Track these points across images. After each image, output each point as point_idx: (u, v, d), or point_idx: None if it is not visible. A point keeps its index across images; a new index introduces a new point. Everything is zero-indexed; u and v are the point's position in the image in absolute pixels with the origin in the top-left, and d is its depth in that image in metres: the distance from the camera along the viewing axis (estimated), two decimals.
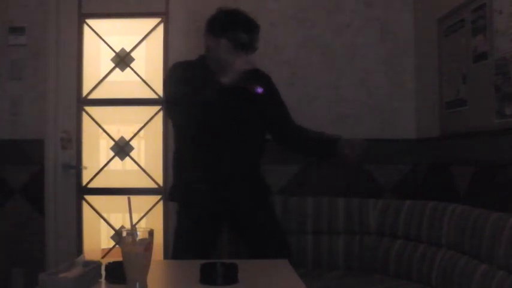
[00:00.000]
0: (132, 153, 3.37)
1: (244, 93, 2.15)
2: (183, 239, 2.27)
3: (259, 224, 2.31)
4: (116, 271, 1.45)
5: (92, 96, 3.36)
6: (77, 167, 3.30)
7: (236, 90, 2.11)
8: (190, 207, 2.27)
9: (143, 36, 3.35)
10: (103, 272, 1.51)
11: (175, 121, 2.30)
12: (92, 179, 3.36)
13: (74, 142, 3.29)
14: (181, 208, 2.33)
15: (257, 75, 2.22)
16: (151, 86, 3.34)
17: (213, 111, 2.09)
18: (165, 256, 3.12)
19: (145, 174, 3.34)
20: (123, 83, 3.36)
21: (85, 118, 3.35)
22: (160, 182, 3.32)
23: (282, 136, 2.44)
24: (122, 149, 3.37)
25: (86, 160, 3.34)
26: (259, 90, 2.14)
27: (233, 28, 2.19)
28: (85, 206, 3.35)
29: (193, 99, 2.08)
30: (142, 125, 3.35)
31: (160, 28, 3.35)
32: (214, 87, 2.07)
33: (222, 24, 2.21)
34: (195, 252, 2.09)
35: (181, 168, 2.30)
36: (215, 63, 2.22)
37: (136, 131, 3.37)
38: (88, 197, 3.36)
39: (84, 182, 3.35)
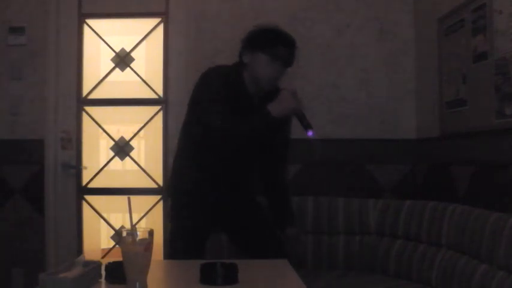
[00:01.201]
0: (132, 153, 3.37)
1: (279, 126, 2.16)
2: (178, 239, 2.28)
3: (248, 224, 2.32)
4: (116, 271, 1.45)
5: (92, 96, 3.36)
6: (77, 167, 3.29)
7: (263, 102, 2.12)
8: (187, 208, 2.28)
9: (143, 36, 3.35)
10: (103, 272, 1.51)
11: (200, 129, 2.19)
12: (92, 179, 3.35)
13: (74, 142, 3.29)
14: (177, 208, 2.34)
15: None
16: (151, 86, 3.34)
17: (253, 138, 2.13)
18: (165, 256, 3.12)
19: (145, 174, 3.34)
20: (123, 83, 3.36)
21: (85, 118, 3.35)
22: (160, 182, 3.32)
23: (262, 173, 2.42)
24: (121, 149, 3.37)
25: (86, 160, 3.33)
26: (311, 134, 2.12)
27: (270, 41, 2.17)
28: (85, 206, 3.35)
29: (246, 125, 2.07)
30: (142, 125, 3.34)
31: (160, 28, 3.35)
32: (263, 120, 2.07)
33: (258, 39, 2.19)
34: (190, 252, 2.12)
35: (186, 171, 2.30)
36: (252, 80, 2.20)
37: (136, 131, 3.36)
38: (88, 197, 3.35)
39: (84, 182, 3.35)
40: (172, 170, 2.37)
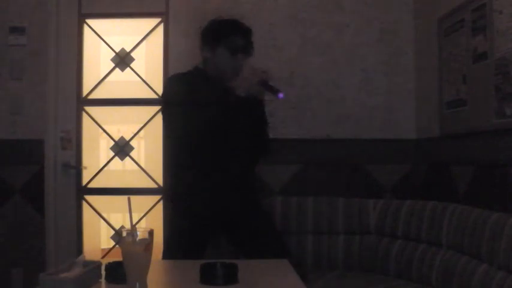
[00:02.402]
0: (132, 153, 3.37)
1: (248, 104, 2.15)
2: (177, 240, 2.28)
3: (249, 224, 2.30)
4: (116, 271, 1.45)
5: (92, 96, 3.36)
6: (77, 167, 3.30)
7: (244, 101, 2.13)
8: (187, 211, 2.28)
9: (143, 36, 3.35)
10: (103, 272, 1.51)
11: (176, 131, 2.25)
12: (92, 179, 3.35)
13: (74, 142, 3.29)
14: (177, 210, 2.34)
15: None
16: (151, 86, 3.34)
17: (219, 122, 2.12)
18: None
19: (145, 174, 3.34)
20: (123, 83, 3.36)
21: (85, 118, 3.35)
22: (160, 182, 3.32)
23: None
24: (121, 149, 3.37)
25: (86, 160, 3.33)
26: (281, 96, 2.11)
27: (227, 35, 2.21)
28: (85, 206, 3.35)
29: (205, 112, 2.08)
30: (142, 125, 3.34)
31: (160, 28, 3.35)
32: (230, 101, 2.09)
33: (216, 34, 2.24)
34: (187, 253, 2.12)
35: (181, 176, 2.30)
36: (215, 74, 2.23)
37: (136, 131, 3.36)
38: (88, 197, 3.35)
39: (84, 182, 3.35)
40: (168, 177, 2.38)
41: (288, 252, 2.26)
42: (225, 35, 2.21)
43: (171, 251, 2.28)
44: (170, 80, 2.34)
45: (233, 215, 2.27)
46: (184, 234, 2.25)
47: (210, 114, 2.09)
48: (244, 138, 2.27)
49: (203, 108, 2.08)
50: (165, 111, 2.26)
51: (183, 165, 2.27)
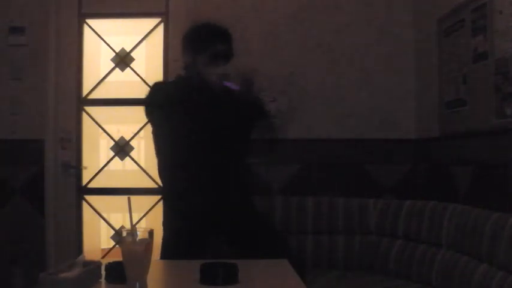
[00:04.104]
0: (132, 153, 3.37)
1: (225, 101, 2.17)
2: (174, 240, 2.28)
3: (240, 224, 2.28)
4: (116, 271, 1.45)
5: (92, 96, 3.36)
6: (77, 167, 3.30)
7: (218, 99, 2.15)
8: (180, 211, 2.28)
9: (143, 36, 3.35)
10: (103, 272, 1.51)
11: (162, 138, 2.28)
12: (92, 179, 3.35)
13: (74, 142, 3.29)
14: (172, 210, 2.34)
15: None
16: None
17: (199, 123, 2.13)
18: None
19: (145, 174, 3.34)
20: (123, 83, 3.36)
21: (85, 118, 3.35)
22: (160, 182, 3.31)
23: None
24: (121, 149, 3.37)
25: (86, 160, 3.33)
26: (234, 87, 2.14)
27: (208, 44, 2.19)
28: (85, 206, 3.35)
29: (182, 111, 2.10)
30: (142, 125, 3.34)
31: (160, 28, 3.35)
32: (198, 96, 2.12)
33: (195, 41, 2.23)
34: (185, 254, 2.11)
35: (171, 180, 2.31)
36: (196, 80, 2.22)
37: (136, 131, 3.36)
38: (88, 197, 3.36)
39: (84, 182, 3.35)
40: (162, 182, 2.38)
41: (286, 251, 2.26)
42: (204, 43, 2.20)
43: (168, 252, 2.27)
44: (153, 88, 2.31)
45: (224, 214, 2.26)
46: (180, 234, 2.25)
47: (195, 112, 2.10)
48: (232, 132, 2.25)
49: (188, 109, 2.09)
50: (149, 116, 2.29)
51: (175, 165, 2.26)
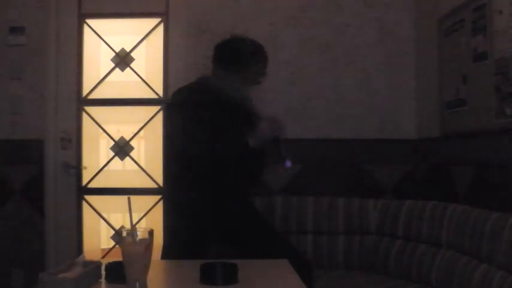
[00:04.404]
0: (132, 153, 3.37)
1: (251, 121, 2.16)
2: (179, 239, 2.28)
3: (246, 227, 2.29)
4: (116, 271, 1.45)
5: (92, 96, 3.36)
6: (77, 167, 3.30)
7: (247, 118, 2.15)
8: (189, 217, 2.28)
9: (143, 36, 3.35)
10: (103, 272, 1.51)
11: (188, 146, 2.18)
12: (92, 179, 3.35)
13: (74, 142, 3.29)
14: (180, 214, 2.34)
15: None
16: (151, 86, 3.34)
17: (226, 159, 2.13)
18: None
19: (145, 174, 3.34)
20: (123, 83, 3.35)
21: (85, 118, 3.35)
22: (160, 182, 3.31)
23: None
24: (121, 149, 3.37)
25: (86, 160, 3.33)
26: (288, 165, 2.14)
27: (246, 64, 2.16)
28: (85, 206, 3.35)
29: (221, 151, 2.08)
30: (142, 125, 3.34)
31: (160, 28, 3.34)
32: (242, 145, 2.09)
33: (233, 58, 2.18)
34: (187, 253, 2.12)
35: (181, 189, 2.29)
36: (221, 92, 2.18)
37: (136, 131, 3.36)
38: (88, 197, 3.35)
39: (84, 182, 3.34)
40: (167, 185, 2.37)
41: (290, 251, 2.27)
42: (240, 64, 2.16)
43: (171, 254, 2.27)
44: (180, 97, 2.24)
45: (229, 219, 2.26)
46: (184, 235, 2.25)
47: (221, 149, 2.08)
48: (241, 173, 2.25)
49: (213, 139, 2.06)
50: (174, 125, 2.21)
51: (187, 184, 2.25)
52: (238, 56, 2.19)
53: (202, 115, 2.07)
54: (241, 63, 2.17)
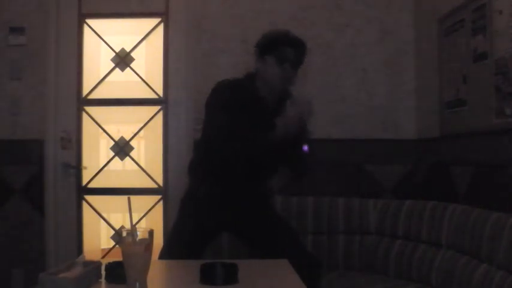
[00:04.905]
0: (132, 153, 3.37)
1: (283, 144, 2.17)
2: (182, 237, 2.28)
3: (263, 225, 2.31)
4: (115, 271, 1.45)
5: (92, 96, 3.35)
6: (77, 167, 3.30)
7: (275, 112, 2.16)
8: (198, 211, 2.29)
9: (143, 36, 3.35)
10: (103, 272, 1.51)
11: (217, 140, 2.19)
12: (92, 179, 3.35)
13: (74, 142, 3.29)
14: (187, 207, 2.34)
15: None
16: (151, 86, 3.34)
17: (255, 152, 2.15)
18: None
19: (145, 174, 3.34)
20: (123, 83, 3.35)
21: (85, 118, 3.35)
22: (160, 182, 3.32)
23: None
24: (121, 149, 3.37)
25: (86, 160, 3.33)
26: (306, 148, 2.14)
27: (276, 45, 2.21)
28: (85, 206, 3.35)
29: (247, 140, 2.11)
30: (142, 125, 3.34)
31: (160, 28, 3.34)
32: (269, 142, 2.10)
33: (266, 44, 2.24)
34: (189, 251, 2.13)
35: (203, 177, 2.31)
36: (264, 85, 2.24)
37: (136, 131, 3.36)
38: (88, 197, 3.35)
39: (84, 182, 3.34)
40: (189, 176, 2.38)
41: (305, 252, 2.29)
42: (274, 45, 2.22)
43: (173, 251, 2.27)
44: (220, 87, 2.26)
45: (245, 216, 2.28)
46: (190, 234, 2.26)
47: (251, 143, 2.12)
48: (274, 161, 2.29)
49: (245, 135, 2.10)
50: (211, 118, 2.23)
51: (214, 171, 2.27)
52: (273, 37, 2.25)
53: (238, 114, 2.11)
54: (278, 43, 2.22)
